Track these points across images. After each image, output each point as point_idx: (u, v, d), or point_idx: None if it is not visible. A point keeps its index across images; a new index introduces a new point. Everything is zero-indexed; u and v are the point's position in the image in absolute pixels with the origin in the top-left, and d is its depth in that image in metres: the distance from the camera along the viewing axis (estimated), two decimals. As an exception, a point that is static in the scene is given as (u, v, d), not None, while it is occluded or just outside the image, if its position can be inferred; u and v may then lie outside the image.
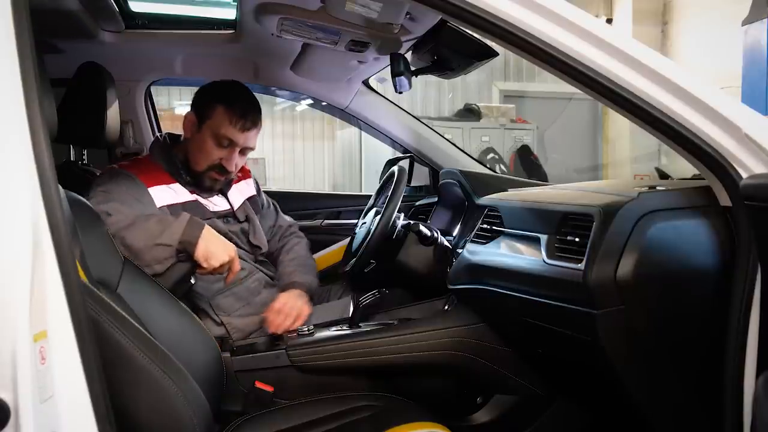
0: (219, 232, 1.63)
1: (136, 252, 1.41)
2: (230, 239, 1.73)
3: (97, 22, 1.93)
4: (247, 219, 1.86)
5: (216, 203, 1.79)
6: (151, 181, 1.66)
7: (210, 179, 1.73)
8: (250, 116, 1.70)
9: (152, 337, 1.08)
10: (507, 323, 1.56)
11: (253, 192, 1.97)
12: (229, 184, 1.83)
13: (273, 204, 2.07)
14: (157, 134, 1.85)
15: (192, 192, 1.73)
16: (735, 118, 1.03)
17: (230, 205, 1.82)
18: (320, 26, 1.71)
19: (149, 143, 2.40)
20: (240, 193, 1.90)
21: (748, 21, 4.54)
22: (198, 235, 1.45)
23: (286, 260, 1.92)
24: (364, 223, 2.03)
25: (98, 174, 1.71)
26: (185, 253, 1.45)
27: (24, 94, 0.76)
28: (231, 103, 1.69)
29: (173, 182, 1.70)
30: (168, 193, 1.67)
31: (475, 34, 1.64)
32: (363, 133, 3.23)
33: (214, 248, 1.47)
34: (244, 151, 1.75)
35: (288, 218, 2.11)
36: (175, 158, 1.74)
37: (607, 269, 1.11)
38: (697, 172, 1.15)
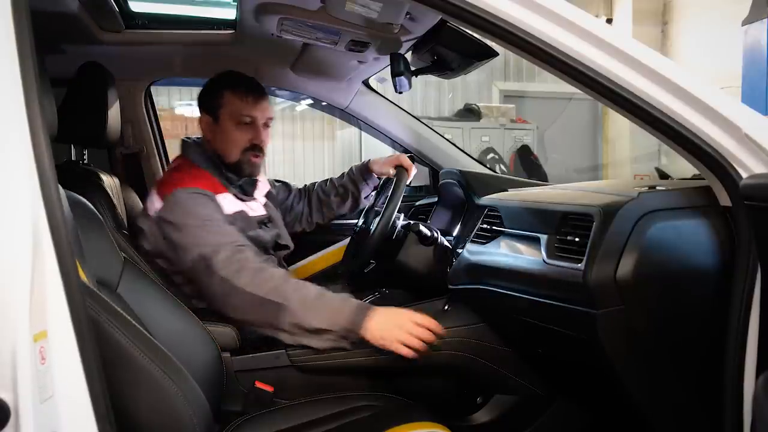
0: (261, 241, 1.67)
1: (294, 334, 1.43)
2: (265, 247, 1.73)
3: (97, 22, 1.93)
4: (273, 219, 1.86)
5: (253, 209, 1.78)
6: (215, 190, 1.66)
7: (248, 164, 1.73)
8: (257, 88, 1.74)
9: (152, 337, 1.08)
10: (507, 323, 1.55)
11: (267, 186, 1.98)
12: (254, 185, 1.82)
13: (276, 184, 2.11)
14: (185, 138, 1.83)
15: (237, 198, 1.72)
16: (735, 118, 1.03)
17: (264, 209, 1.83)
18: (320, 26, 1.71)
19: (149, 143, 2.42)
20: (260, 191, 1.89)
21: (748, 21, 4.53)
22: (362, 323, 1.40)
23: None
24: (365, 223, 2.03)
25: (173, 201, 1.59)
26: (349, 337, 1.43)
27: (24, 94, 0.76)
28: (235, 85, 1.72)
29: (224, 191, 1.70)
30: (225, 202, 1.67)
31: (475, 34, 1.64)
32: (363, 133, 3.23)
33: (385, 332, 1.41)
34: (267, 124, 1.76)
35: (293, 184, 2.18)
36: (216, 161, 1.73)
37: (607, 269, 1.11)
38: (697, 172, 1.15)
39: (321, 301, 1.44)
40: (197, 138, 1.82)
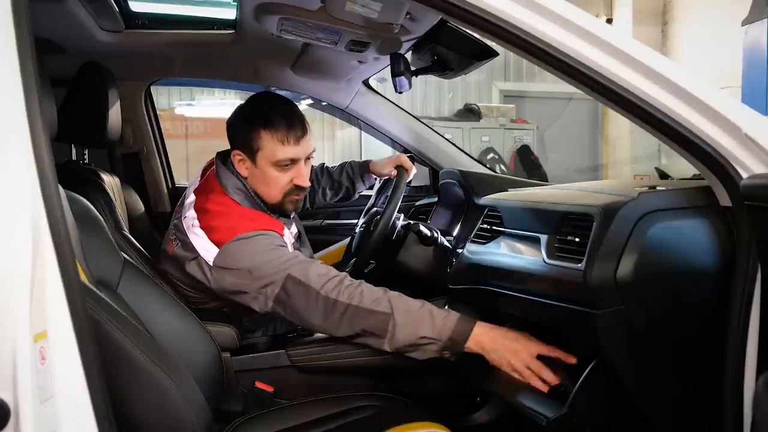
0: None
1: (397, 345, 1.37)
2: None
3: (97, 22, 1.93)
4: (302, 234, 1.80)
5: (293, 231, 1.70)
6: (277, 229, 1.55)
7: (291, 203, 1.62)
8: (298, 123, 1.55)
9: (152, 337, 1.08)
10: (507, 323, 1.55)
11: None
12: None
13: None
14: (220, 162, 1.63)
15: (288, 229, 1.64)
16: (735, 118, 1.03)
17: (296, 228, 1.75)
18: (320, 26, 1.71)
19: (149, 143, 2.42)
20: None
21: (748, 21, 4.54)
22: (467, 334, 1.35)
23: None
24: (365, 223, 2.03)
25: (237, 247, 1.46)
26: (452, 349, 1.37)
27: (24, 94, 0.76)
28: (271, 122, 1.53)
29: (282, 227, 1.59)
30: (287, 240, 1.57)
31: (475, 34, 1.64)
32: (363, 133, 3.23)
33: (500, 352, 1.34)
34: (309, 159, 1.61)
35: None
36: (258, 201, 1.60)
37: (607, 269, 1.11)
38: (697, 172, 1.15)
39: (425, 310, 1.39)
40: (231, 166, 1.60)
